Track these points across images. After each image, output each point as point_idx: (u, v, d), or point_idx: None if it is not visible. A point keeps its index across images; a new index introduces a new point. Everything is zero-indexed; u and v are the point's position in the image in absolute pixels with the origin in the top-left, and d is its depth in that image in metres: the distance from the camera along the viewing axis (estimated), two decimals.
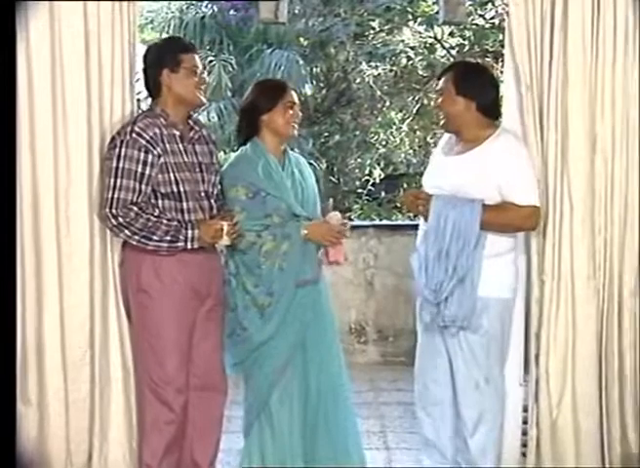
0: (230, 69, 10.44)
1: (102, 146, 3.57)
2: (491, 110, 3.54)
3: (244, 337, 3.60)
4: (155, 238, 3.38)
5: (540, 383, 3.69)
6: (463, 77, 3.50)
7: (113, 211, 3.36)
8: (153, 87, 3.51)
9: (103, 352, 3.65)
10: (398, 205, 9.56)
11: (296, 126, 3.68)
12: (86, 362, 3.62)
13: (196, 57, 3.53)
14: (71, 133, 3.56)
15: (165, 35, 11.50)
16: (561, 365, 3.68)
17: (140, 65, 3.62)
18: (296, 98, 3.69)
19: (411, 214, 7.51)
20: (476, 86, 3.50)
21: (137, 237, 3.39)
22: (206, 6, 11.19)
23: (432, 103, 3.55)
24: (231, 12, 11.04)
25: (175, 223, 3.41)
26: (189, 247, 3.42)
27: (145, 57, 3.55)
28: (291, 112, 3.64)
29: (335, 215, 3.65)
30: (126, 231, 3.38)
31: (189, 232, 3.42)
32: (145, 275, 3.46)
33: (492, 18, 10.13)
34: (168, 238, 3.39)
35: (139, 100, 3.81)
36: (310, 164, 4.32)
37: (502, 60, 4.63)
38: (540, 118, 3.63)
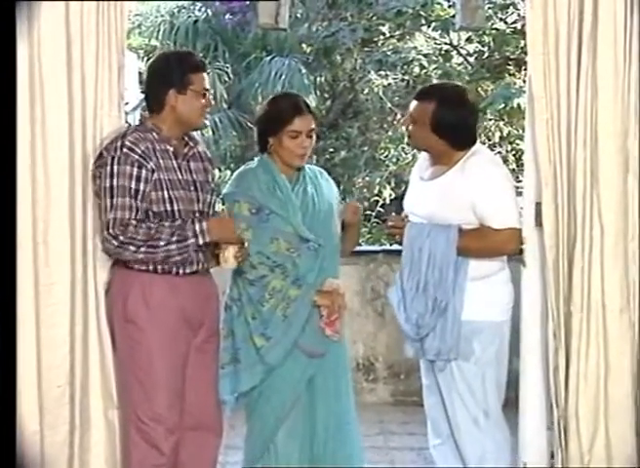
0: (226, 79, 10.51)
1: (85, 166, 3.58)
2: (466, 145, 3.59)
3: (238, 369, 3.64)
4: (162, 243, 3.41)
5: (570, 426, 3.67)
6: (442, 116, 3.54)
7: (111, 231, 3.40)
8: (155, 103, 3.57)
9: (84, 391, 3.63)
10: None
11: (303, 156, 3.68)
12: (65, 402, 3.59)
13: (206, 77, 3.59)
14: (51, 150, 3.54)
15: (154, 41, 11.60)
16: (592, 406, 3.65)
17: (129, 74, 3.65)
18: (306, 126, 3.67)
19: None
20: (454, 126, 3.54)
21: (143, 249, 3.41)
22: (199, 9, 11.26)
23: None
24: (227, 16, 11.12)
25: (177, 222, 3.45)
26: (201, 241, 3.44)
27: (151, 70, 3.61)
28: (293, 143, 3.66)
29: (330, 283, 3.69)
30: (130, 247, 3.41)
31: (197, 226, 3.45)
32: (133, 303, 3.48)
33: (514, 22, 10.19)
34: (175, 239, 3.42)
35: (126, 113, 3.82)
36: None
37: (525, 68, 4.65)
38: (568, 134, 3.64)
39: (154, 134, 3.52)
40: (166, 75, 3.53)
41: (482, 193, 3.49)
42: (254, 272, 3.61)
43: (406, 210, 3.74)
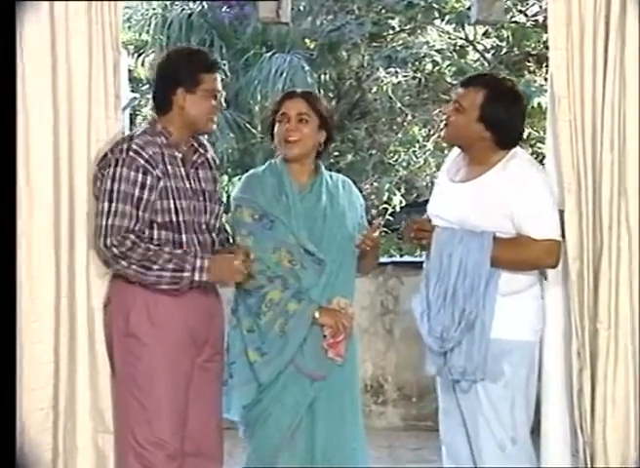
0: (223, 76, 10.51)
1: (71, 173, 3.59)
2: (510, 143, 3.58)
3: (231, 385, 3.66)
4: (155, 267, 3.42)
5: (597, 454, 3.65)
6: (495, 106, 3.53)
7: (108, 240, 3.40)
8: (162, 102, 3.59)
9: (70, 414, 3.63)
10: None
11: (291, 143, 3.70)
12: (48, 426, 3.59)
13: (218, 77, 3.61)
14: (34, 155, 3.55)
15: (145, 36, 11.60)
16: (621, 432, 3.64)
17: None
18: (293, 109, 3.71)
19: None
20: (504, 119, 3.53)
21: (134, 267, 3.42)
22: (194, 2, 11.26)
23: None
24: (224, 9, 11.11)
25: (179, 251, 3.45)
26: (197, 278, 3.44)
27: (160, 67, 3.63)
28: (280, 127, 3.71)
29: (338, 302, 3.69)
30: (122, 262, 3.42)
31: (197, 261, 3.45)
32: (136, 317, 3.49)
33: (534, 14, 10.19)
34: (171, 266, 3.42)
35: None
36: None
37: (546, 65, 4.65)
38: (593, 136, 3.64)
39: (163, 138, 3.53)
40: (175, 73, 3.55)
41: (524, 199, 3.46)
42: (252, 281, 3.61)
43: (430, 213, 3.69)
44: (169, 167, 3.50)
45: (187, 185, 3.55)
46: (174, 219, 3.48)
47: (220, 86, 3.62)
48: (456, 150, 3.76)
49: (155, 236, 3.47)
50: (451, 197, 3.63)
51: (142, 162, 3.43)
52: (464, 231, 3.51)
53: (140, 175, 3.43)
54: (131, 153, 3.43)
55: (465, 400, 3.58)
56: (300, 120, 3.70)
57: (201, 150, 3.67)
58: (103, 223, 3.41)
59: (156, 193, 3.45)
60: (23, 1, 3.48)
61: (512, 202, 3.47)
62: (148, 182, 3.43)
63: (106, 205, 3.42)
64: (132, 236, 3.40)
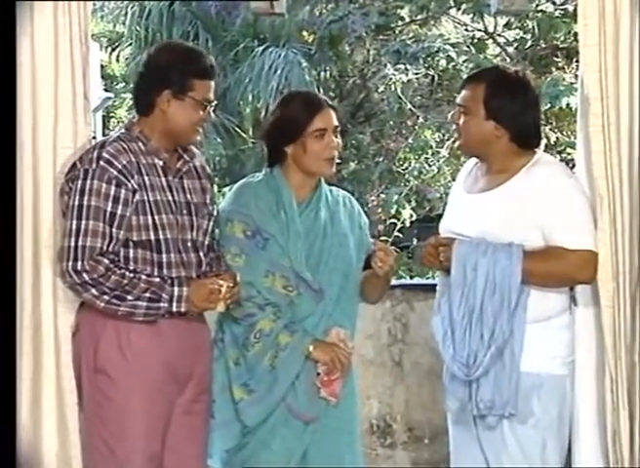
0: None
1: (36, 185, 3.58)
2: (529, 140, 3.58)
3: (212, 426, 3.65)
4: (130, 298, 3.40)
5: None
6: (498, 97, 3.54)
7: (78, 264, 3.37)
8: (143, 103, 3.57)
9: (34, 464, 3.59)
10: None
11: (332, 161, 3.70)
12: None
13: (212, 85, 3.58)
14: None
15: (121, 27, 11.63)
16: None
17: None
18: (330, 122, 3.70)
19: None
20: (514, 111, 3.54)
21: (106, 297, 3.40)
22: None
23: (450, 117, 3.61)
24: None
25: (156, 280, 3.43)
26: (174, 309, 3.44)
27: (148, 62, 3.59)
28: (320, 144, 3.67)
29: (337, 333, 3.68)
30: (93, 290, 3.40)
31: (175, 290, 3.44)
32: (106, 349, 3.46)
33: (563, 2, 10.22)
34: (147, 295, 3.41)
35: None
36: None
37: (577, 60, 4.66)
38: (630, 142, 3.63)
39: (140, 144, 3.51)
40: (164, 71, 3.51)
41: (554, 206, 3.46)
42: (240, 309, 3.60)
43: (444, 230, 3.69)
44: (146, 177, 3.48)
45: (169, 198, 3.53)
46: (152, 238, 3.46)
47: (212, 95, 3.59)
48: (471, 161, 3.76)
49: (131, 255, 3.46)
50: (469, 209, 3.62)
51: (115, 173, 3.41)
52: (489, 242, 3.50)
53: (113, 188, 3.41)
54: (102, 163, 3.41)
55: (489, 439, 3.55)
56: (335, 134, 3.70)
57: (186, 157, 3.63)
58: (72, 244, 3.39)
59: (131, 208, 3.43)
60: (24, 1, 3.52)
61: (542, 210, 3.46)
62: (122, 196, 3.42)
63: (75, 223, 3.40)
64: (105, 260, 3.39)
